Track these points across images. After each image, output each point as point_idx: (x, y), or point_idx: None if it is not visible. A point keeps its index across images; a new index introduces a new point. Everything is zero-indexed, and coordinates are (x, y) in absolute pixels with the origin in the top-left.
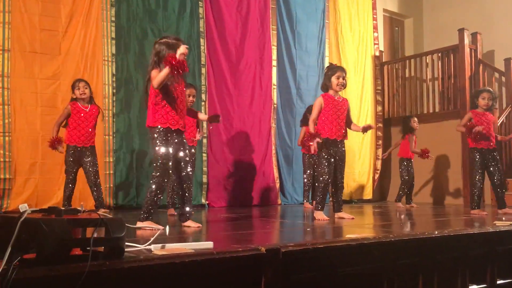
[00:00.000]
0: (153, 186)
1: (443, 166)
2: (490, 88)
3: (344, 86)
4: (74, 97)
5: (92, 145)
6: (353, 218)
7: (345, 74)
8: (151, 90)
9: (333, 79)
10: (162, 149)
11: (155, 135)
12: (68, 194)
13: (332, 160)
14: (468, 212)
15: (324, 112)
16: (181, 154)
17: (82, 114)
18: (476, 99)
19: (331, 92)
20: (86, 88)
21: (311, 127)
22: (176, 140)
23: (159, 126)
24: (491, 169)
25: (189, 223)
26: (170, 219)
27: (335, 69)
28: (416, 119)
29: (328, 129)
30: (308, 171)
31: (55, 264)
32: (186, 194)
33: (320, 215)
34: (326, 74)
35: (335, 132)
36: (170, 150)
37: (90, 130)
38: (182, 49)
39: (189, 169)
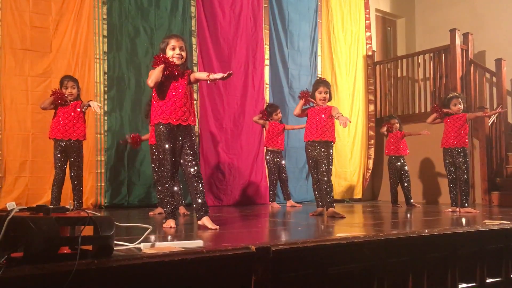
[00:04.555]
0: (161, 184)
1: (434, 166)
2: (456, 93)
3: (325, 100)
4: None
5: (79, 139)
6: (343, 217)
7: (328, 87)
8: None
9: (316, 94)
10: (164, 146)
11: (158, 132)
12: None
13: (311, 161)
14: (458, 211)
15: (308, 120)
16: (185, 149)
17: (63, 109)
18: (447, 107)
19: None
20: (74, 88)
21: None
22: (179, 136)
23: (161, 122)
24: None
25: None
26: (159, 218)
27: (317, 84)
28: (396, 120)
29: (313, 131)
30: (273, 171)
31: (43, 263)
32: (194, 191)
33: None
34: (313, 88)
35: (314, 134)
36: (172, 145)
37: (73, 124)
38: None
39: (194, 165)
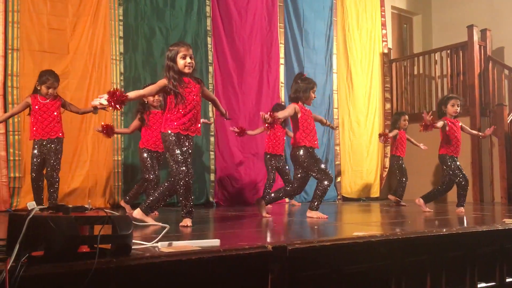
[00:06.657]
0: (180, 189)
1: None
2: (457, 95)
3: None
4: (39, 89)
5: (58, 137)
6: (326, 218)
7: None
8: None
9: (311, 94)
10: (175, 151)
11: (167, 139)
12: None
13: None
14: (476, 209)
15: (302, 122)
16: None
17: (41, 107)
18: (444, 106)
19: (303, 103)
20: (54, 89)
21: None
22: (187, 145)
23: (170, 132)
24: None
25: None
26: (173, 217)
27: (313, 83)
28: (407, 117)
29: (310, 138)
30: (272, 174)
31: (63, 262)
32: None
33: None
34: (306, 86)
35: (311, 140)
36: (184, 154)
37: (53, 121)
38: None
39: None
